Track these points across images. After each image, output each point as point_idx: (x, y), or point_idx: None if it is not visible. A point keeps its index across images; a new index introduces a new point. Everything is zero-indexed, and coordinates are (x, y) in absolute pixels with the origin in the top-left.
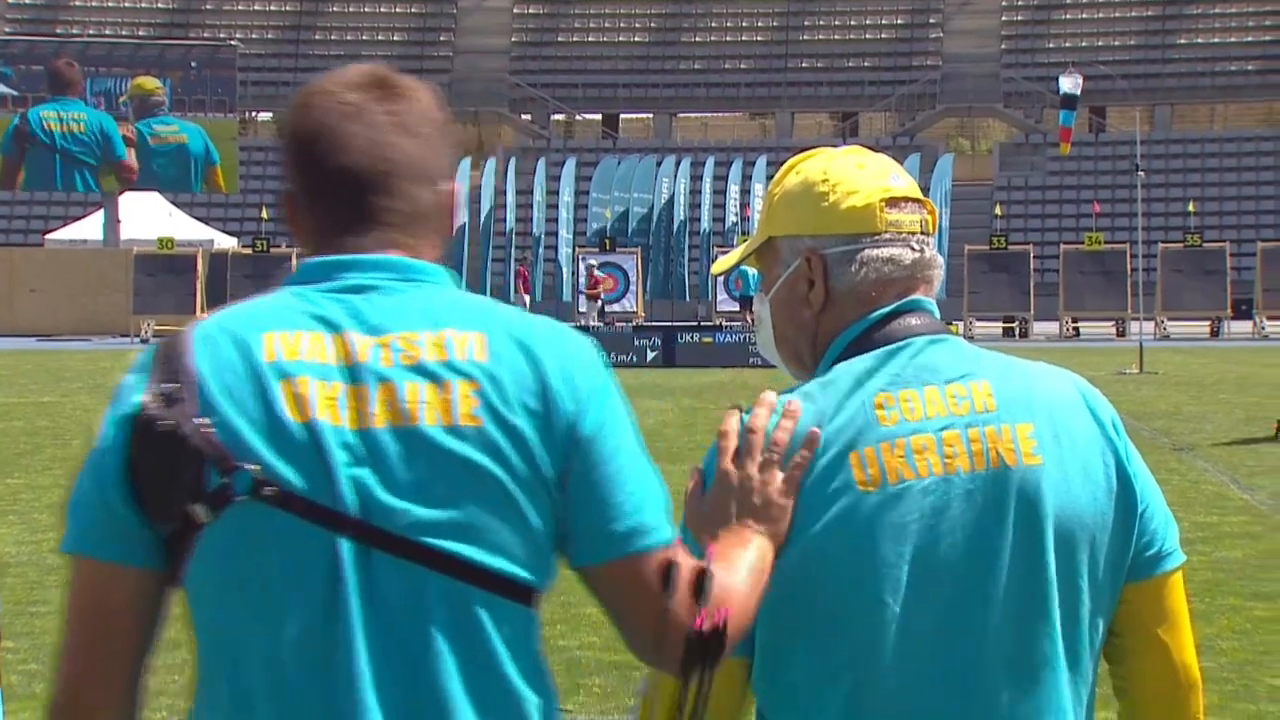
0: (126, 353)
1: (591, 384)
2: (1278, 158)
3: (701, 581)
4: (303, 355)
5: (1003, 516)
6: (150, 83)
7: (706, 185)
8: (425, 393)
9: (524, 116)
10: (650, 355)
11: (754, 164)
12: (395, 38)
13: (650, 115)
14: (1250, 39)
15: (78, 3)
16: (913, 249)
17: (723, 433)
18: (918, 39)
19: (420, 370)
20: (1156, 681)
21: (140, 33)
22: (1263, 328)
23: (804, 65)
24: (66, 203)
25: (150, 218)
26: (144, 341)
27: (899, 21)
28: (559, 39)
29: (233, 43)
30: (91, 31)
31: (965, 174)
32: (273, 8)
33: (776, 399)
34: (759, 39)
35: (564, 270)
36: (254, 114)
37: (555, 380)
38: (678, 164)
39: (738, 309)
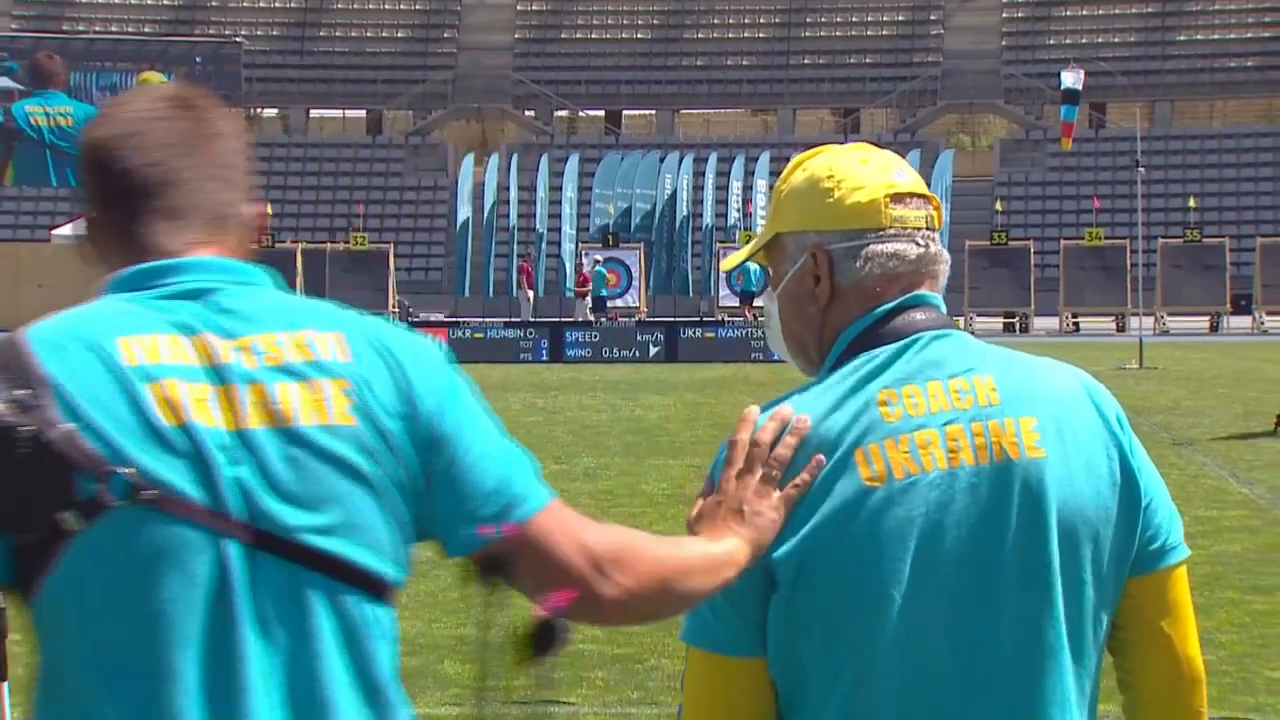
0: None
1: (446, 382)
2: (1277, 154)
3: (545, 632)
4: (165, 359)
5: (1006, 510)
6: (155, 78)
7: (709, 181)
8: (297, 393)
9: (527, 113)
10: (653, 350)
11: (756, 160)
12: (399, 34)
13: (653, 111)
14: (1250, 35)
15: None
16: (918, 244)
17: (733, 443)
18: (919, 35)
19: (288, 371)
20: (1160, 675)
21: (146, 29)
22: (1262, 323)
23: (805, 62)
24: (72, 198)
25: None
26: None
27: (900, 18)
28: (562, 35)
29: (238, 39)
30: (98, 27)
31: (966, 170)
32: (278, 4)
33: (791, 413)
34: (761, 36)
35: (567, 266)
36: (259, 110)
37: (416, 381)
38: (680, 160)
39: (737, 304)
